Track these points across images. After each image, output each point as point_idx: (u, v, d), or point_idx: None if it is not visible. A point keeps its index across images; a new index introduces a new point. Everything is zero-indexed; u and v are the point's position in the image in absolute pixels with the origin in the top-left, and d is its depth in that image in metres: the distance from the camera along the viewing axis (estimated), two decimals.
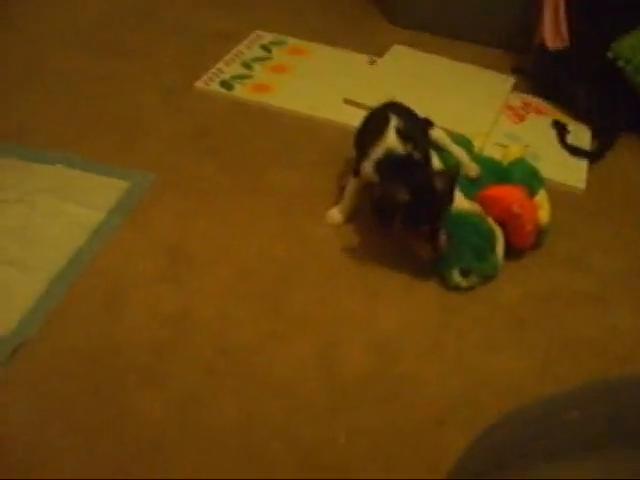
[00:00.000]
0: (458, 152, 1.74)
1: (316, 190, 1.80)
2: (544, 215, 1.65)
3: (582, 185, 1.91)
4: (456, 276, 1.55)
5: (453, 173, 1.56)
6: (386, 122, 1.60)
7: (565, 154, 2.02)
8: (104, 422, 1.25)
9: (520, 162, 1.74)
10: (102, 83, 2.12)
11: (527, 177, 1.69)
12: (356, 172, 1.66)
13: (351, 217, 1.71)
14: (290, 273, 1.58)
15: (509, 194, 1.62)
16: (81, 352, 1.37)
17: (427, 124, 1.74)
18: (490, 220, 1.59)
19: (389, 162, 1.56)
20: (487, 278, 1.59)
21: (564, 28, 2.15)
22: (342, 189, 1.73)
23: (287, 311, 1.49)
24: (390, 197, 1.50)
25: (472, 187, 1.67)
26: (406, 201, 1.48)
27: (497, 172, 1.72)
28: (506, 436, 0.61)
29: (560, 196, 1.73)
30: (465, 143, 1.80)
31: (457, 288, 1.56)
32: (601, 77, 2.10)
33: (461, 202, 1.60)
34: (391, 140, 1.56)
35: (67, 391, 1.30)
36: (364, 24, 2.61)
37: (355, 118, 1.86)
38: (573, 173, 1.95)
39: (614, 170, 2.00)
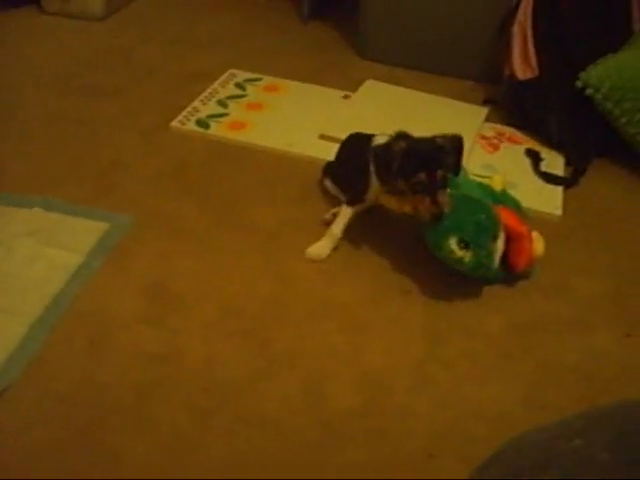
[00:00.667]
0: None
1: (296, 225, 1.80)
2: (540, 247, 1.67)
3: (558, 212, 1.93)
4: (453, 244, 1.55)
5: (458, 137, 1.60)
6: (368, 138, 1.67)
7: (540, 182, 2.05)
8: (90, 466, 1.23)
9: (505, 193, 1.77)
10: (78, 125, 2.12)
11: (513, 207, 1.71)
12: (352, 201, 1.68)
13: (332, 252, 1.71)
14: (274, 309, 1.57)
15: (514, 215, 1.65)
16: (65, 396, 1.35)
17: None
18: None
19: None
20: (479, 267, 1.57)
21: (533, 59, 2.19)
22: (326, 224, 1.74)
23: (272, 348, 1.48)
24: (389, 147, 1.56)
25: None
26: (403, 148, 1.53)
27: (493, 195, 1.73)
28: (508, 466, 0.60)
29: (538, 223, 1.74)
30: None
31: (450, 259, 1.57)
32: (571, 105, 2.13)
33: None
34: (380, 138, 1.64)
35: (52, 436, 1.27)
36: (337, 60, 2.64)
37: (331, 153, 1.87)
38: (549, 200, 1.97)
39: (588, 195, 2.03)
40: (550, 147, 2.18)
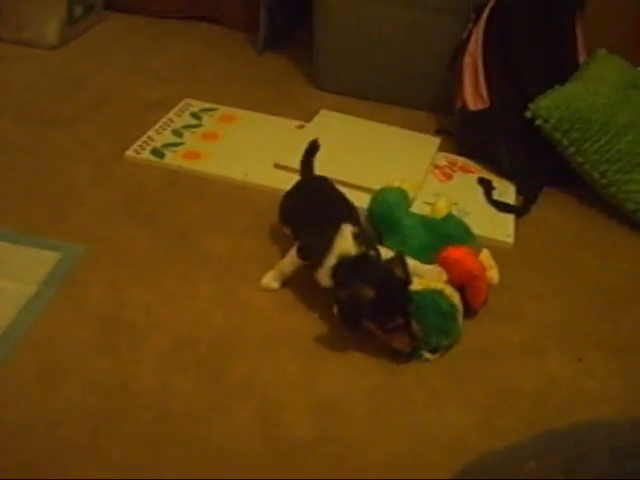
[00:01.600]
0: None
1: (251, 255, 1.80)
2: (494, 275, 1.69)
3: (510, 239, 1.96)
4: (426, 355, 1.55)
5: (401, 254, 1.55)
6: (337, 227, 1.57)
7: (492, 210, 2.08)
8: None
9: (451, 218, 1.79)
10: (30, 155, 2.10)
11: (461, 234, 1.73)
12: (302, 254, 1.63)
13: (287, 281, 1.71)
14: (228, 339, 1.56)
15: (466, 256, 1.62)
16: (15, 429, 1.31)
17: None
18: (448, 289, 1.59)
19: (345, 265, 1.53)
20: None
21: (484, 89, 2.24)
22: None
23: (227, 378, 1.47)
24: (355, 297, 1.47)
25: (422, 252, 1.66)
26: (372, 297, 1.46)
27: (433, 228, 1.75)
28: None
29: (490, 251, 1.76)
30: (401, 197, 1.85)
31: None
32: (522, 136, 2.18)
33: (421, 268, 1.61)
34: (347, 245, 1.55)
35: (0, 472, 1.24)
36: (291, 90, 2.66)
37: (286, 182, 1.87)
38: (501, 228, 2.00)
39: (539, 223, 2.07)
40: (502, 176, 2.22)
